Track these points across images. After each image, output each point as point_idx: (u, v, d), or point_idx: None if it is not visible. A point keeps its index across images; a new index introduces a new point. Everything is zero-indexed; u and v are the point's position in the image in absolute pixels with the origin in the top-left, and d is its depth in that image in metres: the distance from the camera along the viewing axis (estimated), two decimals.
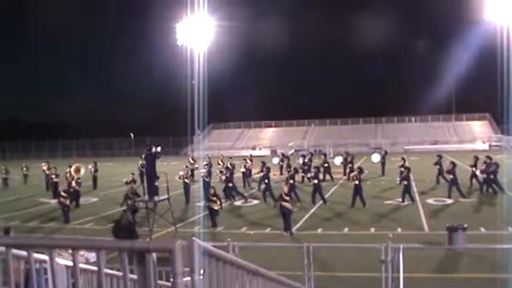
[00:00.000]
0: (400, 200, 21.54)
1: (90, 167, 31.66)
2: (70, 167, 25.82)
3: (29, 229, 18.71)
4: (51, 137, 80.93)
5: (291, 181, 20.85)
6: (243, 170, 29.10)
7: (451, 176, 22.74)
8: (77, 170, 24.88)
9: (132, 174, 23.49)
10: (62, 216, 19.90)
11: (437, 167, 27.13)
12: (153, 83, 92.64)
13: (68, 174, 25.30)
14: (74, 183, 23.63)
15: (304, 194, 23.33)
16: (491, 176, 22.91)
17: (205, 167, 27.97)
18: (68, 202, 20.19)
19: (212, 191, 17.80)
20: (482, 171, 23.35)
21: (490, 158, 23.74)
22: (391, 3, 74.79)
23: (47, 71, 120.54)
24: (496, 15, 52.58)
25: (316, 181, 22.26)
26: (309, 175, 26.13)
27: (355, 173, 22.27)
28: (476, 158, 24.83)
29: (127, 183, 20.56)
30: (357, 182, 21.21)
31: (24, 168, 36.92)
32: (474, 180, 24.64)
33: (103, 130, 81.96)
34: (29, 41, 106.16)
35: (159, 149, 18.10)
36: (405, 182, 21.76)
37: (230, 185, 24.20)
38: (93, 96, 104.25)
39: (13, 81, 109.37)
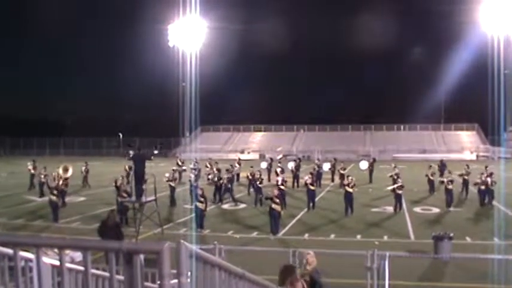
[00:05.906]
0: (393, 208, 21.47)
1: (83, 168, 31.50)
2: (59, 167, 25.45)
3: (15, 227, 18.55)
4: (39, 134, 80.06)
5: (282, 187, 20.84)
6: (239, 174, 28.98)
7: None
8: (65, 170, 24.63)
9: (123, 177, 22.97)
10: (52, 214, 19.73)
11: (431, 177, 27.23)
12: (143, 83, 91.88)
13: (56, 174, 24.80)
14: (60, 183, 23.34)
15: (293, 199, 23.32)
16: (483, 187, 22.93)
17: (193, 171, 27.94)
18: (56, 200, 20.09)
19: (200, 192, 17.90)
20: (475, 184, 23.24)
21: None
22: (380, 15, 75.02)
23: (38, 71, 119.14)
24: (487, 27, 53.15)
25: (312, 187, 22.16)
26: (300, 180, 26.24)
27: (350, 180, 21.75)
28: (467, 168, 25.00)
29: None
30: (350, 190, 20.94)
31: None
32: (462, 190, 24.83)
33: (92, 129, 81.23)
34: (20, 41, 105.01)
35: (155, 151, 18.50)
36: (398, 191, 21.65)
37: (229, 186, 24.42)
38: (83, 96, 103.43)
39: (4, 80, 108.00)
